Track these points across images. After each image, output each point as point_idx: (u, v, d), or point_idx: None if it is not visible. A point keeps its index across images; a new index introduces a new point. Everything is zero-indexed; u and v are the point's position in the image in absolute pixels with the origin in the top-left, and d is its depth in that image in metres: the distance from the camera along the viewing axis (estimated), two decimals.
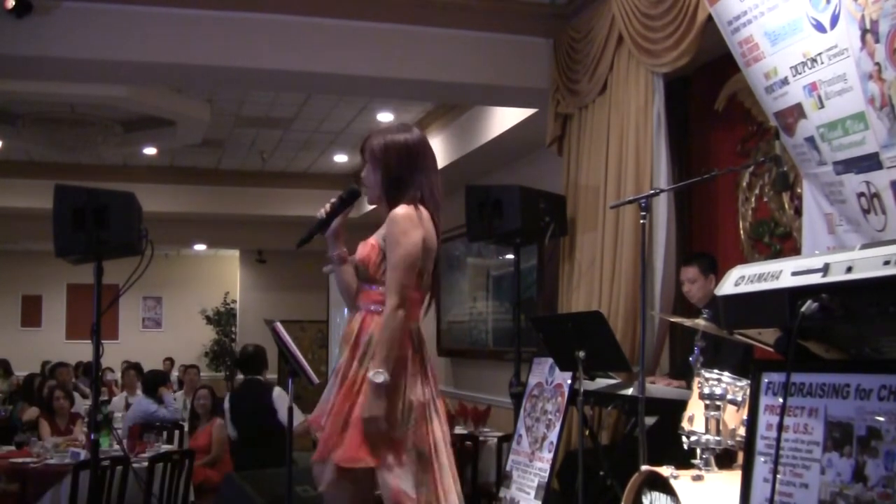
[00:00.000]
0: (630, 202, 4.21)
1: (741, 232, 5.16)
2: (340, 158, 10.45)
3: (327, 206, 3.14)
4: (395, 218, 2.98)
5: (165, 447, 6.38)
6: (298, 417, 4.86)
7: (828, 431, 2.04)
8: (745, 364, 3.73)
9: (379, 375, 2.86)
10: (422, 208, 3.04)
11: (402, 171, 3.06)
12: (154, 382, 7.89)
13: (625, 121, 5.24)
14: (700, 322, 3.74)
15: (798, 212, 4.50)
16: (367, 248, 3.07)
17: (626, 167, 5.18)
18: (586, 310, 5.24)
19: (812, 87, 3.59)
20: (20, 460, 5.66)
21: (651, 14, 4.90)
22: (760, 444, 2.24)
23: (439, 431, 3.05)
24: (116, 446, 5.71)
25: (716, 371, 3.43)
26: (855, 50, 3.33)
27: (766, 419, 2.23)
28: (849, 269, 1.84)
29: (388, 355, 2.90)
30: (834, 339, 2.14)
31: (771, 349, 2.24)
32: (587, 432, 4.44)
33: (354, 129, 9.10)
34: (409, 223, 2.98)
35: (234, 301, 15.77)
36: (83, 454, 5.44)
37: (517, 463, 4.93)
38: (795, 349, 1.98)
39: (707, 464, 3.32)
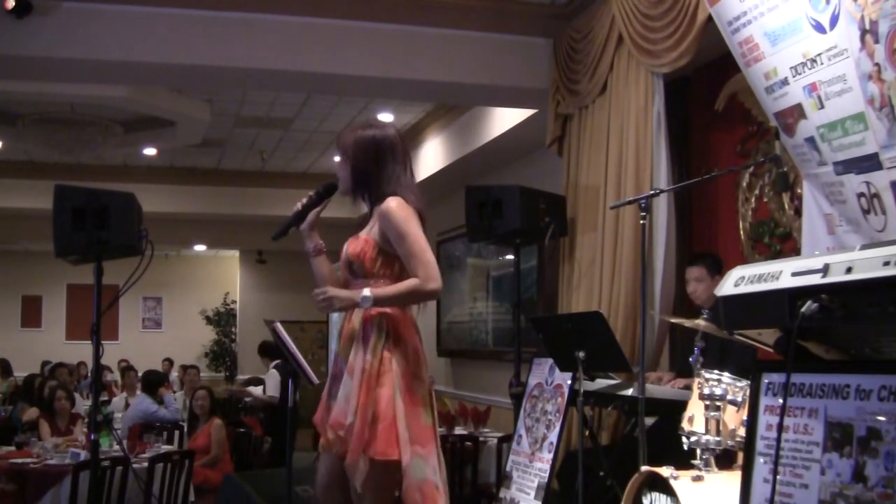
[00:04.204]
0: (630, 202, 4.21)
1: (741, 232, 5.16)
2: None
3: (304, 199, 3.22)
4: (389, 210, 3.03)
5: (165, 447, 6.38)
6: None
7: (828, 432, 2.04)
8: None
9: (367, 301, 2.99)
10: (403, 199, 3.08)
11: (368, 164, 3.13)
12: (153, 382, 7.89)
13: (625, 121, 5.24)
14: (700, 322, 3.74)
15: (798, 212, 4.50)
16: (359, 243, 3.11)
17: (626, 167, 5.18)
18: (586, 310, 5.24)
19: (812, 88, 3.59)
20: (20, 461, 5.66)
21: (651, 14, 4.90)
22: (760, 445, 2.23)
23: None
24: (116, 447, 5.71)
25: (716, 371, 3.43)
26: (854, 50, 3.33)
27: (765, 420, 2.23)
28: (849, 270, 1.84)
29: (389, 299, 3.02)
30: (834, 339, 2.14)
31: (771, 350, 2.24)
32: (587, 433, 4.44)
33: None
34: (405, 211, 3.04)
35: (234, 301, 15.77)
36: (83, 454, 5.43)
37: (517, 463, 4.93)
38: (795, 350, 1.98)
39: (707, 464, 3.32)
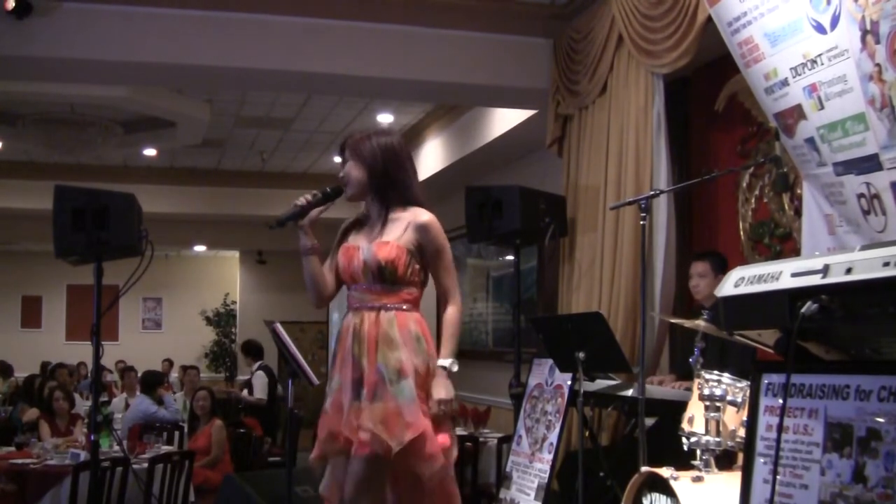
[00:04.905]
0: (630, 203, 4.21)
1: (741, 233, 5.16)
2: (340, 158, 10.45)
3: (308, 196, 3.25)
4: (430, 224, 3.20)
5: (165, 448, 6.38)
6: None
7: (828, 432, 2.04)
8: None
9: (455, 365, 3.17)
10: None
11: (389, 171, 3.23)
12: (151, 382, 7.89)
13: (625, 121, 5.24)
14: (700, 323, 3.74)
15: (798, 213, 4.50)
16: (392, 249, 3.15)
17: (626, 168, 5.18)
18: (586, 310, 5.24)
19: (812, 89, 3.59)
20: (20, 461, 5.65)
21: (651, 15, 4.90)
22: (760, 445, 2.23)
23: None
24: (116, 447, 5.70)
25: (716, 372, 3.43)
26: (855, 51, 3.33)
27: (765, 420, 2.23)
28: (849, 271, 1.83)
29: (456, 346, 3.22)
30: (834, 340, 2.14)
31: (771, 350, 2.23)
32: (587, 433, 4.43)
33: (354, 130, 9.08)
34: (440, 227, 3.23)
35: (234, 302, 15.77)
36: (83, 455, 5.43)
37: (517, 464, 4.92)
38: (795, 350, 1.98)
39: (707, 465, 3.32)
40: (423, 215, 3.20)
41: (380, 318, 3.14)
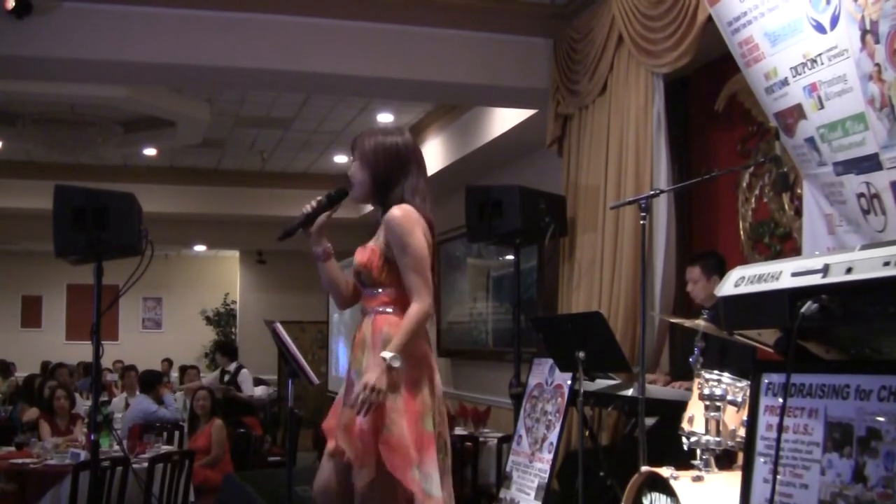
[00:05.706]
0: (630, 203, 4.21)
1: (741, 232, 5.16)
2: (340, 159, 10.46)
3: (313, 202, 3.17)
4: (394, 221, 2.99)
5: (165, 448, 6.38)
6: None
7: (828, 432, 2.04)
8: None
9: (396, 360, 2.88)
10: (412, 208, 3.05)
11: (391, 172, 3.09)
12: (149, 381, 7.89)
13: (625, 121, 5.24)
14: (700, 323, 3.74)
15: (798, 212, 4.50)
16: (366, 252, 3.09)
17: (626, 167, 5.18)
18: (586, 310, 5.24)
19: (812, 88, 3.59)
20: (20, 461, 5.65)
21: (651, 14, 4.90)
22: (760, 445, 2.23)
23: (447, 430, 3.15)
24: (116, 447, 5.71)
25: (716, 372, 3.43)
26: (855, 51, 3.33)
27: (766, 420, 2.23)
28: (849, 270, 1.83)
29: (404, 343, 2.92)
30: (834, 339, 2.14)
31: (771, 350, 2.24)
32: (587, 433, 4.44)
33: (354, 130, 9.09)
34: (409, 223, 3.00)
35: (234, 302, 15.77)
36: (83, 455, 5.43)
37: (517, 463, 4.93)
38: (795, 350, 1.98)
39: (707, 464, 3.32)
40: (392, 211, 3.00)
41: (363, 322, 3.11)
